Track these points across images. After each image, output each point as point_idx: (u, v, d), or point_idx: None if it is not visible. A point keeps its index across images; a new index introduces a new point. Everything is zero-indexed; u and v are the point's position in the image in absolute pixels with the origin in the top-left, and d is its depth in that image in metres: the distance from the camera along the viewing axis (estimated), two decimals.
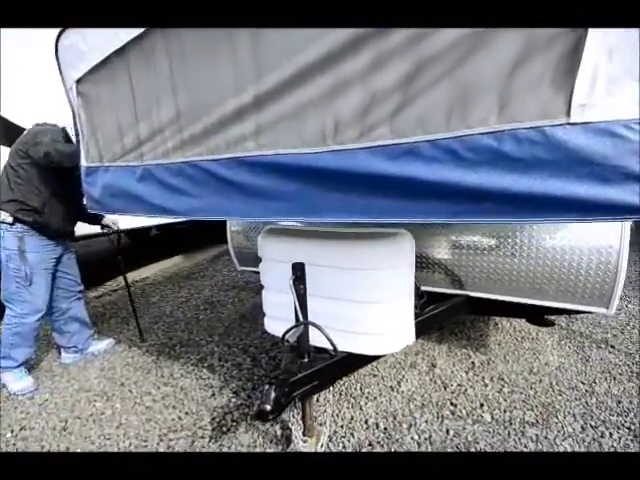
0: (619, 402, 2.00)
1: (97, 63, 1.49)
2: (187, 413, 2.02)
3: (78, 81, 1.59)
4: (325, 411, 1.97)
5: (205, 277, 4.74)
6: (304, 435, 1.69)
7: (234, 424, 1.92)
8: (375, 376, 2.30)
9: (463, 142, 0.89)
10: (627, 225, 1.77)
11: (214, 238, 7.07)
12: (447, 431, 1.82)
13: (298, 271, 1.53)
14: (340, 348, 1.64)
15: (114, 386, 2.32)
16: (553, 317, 2.48)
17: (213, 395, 2.17)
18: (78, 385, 2.35)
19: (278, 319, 1.87)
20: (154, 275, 4.92)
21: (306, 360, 1.60)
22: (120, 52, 1.41)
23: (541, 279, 1.99)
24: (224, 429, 1.89)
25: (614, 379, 2.23)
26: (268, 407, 1.37)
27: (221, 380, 2.33)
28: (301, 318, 1.53)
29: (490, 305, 2.16)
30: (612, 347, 2.60)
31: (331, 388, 2.15)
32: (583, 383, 2.20)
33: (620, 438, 1.73)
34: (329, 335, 1.52)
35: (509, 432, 1.80)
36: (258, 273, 3.36)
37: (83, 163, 1.76)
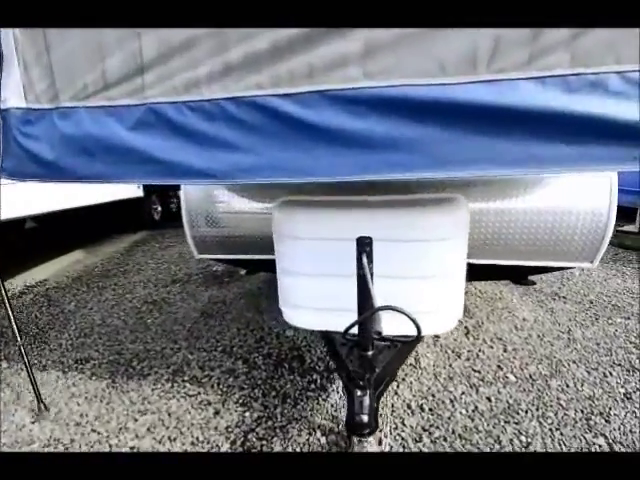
0: (598, 344, 2.27)
1: None
2: (194, 444, 1.56)
3: None
4: None
5: (129, 273, 3.90)
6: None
7: (264, 442, 1.55)
8: None
9: None
10: (615, 189, 1.92)
11: (113, 226, 5.97)
12: (488, 399, 1.79)
13: (366, 246, 1.23)
14: (394, 332, 1.43)
15: (66, 432, 1.67)
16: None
17: (217, 413, 1.73)
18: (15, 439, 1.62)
19: (314, 309, 1.54)
20: (54, 277, 3.84)
21: (370, 353, 1.34)
22: None
23: (533, 241, 2.07)
24: (255, 452, 1.51)
25: (581, 325, 2.53)
26: (366, 418, 1.09)
27: (217, 393, 1.88)
28: (376, 303, 1.25)
29: (479, 270, 2.17)
30: (564, 298, 2.97)
31: None
32: (562, 332, 2.43)
33: (619, 375, 1.95)
34: (415, 318, 1.27)
35: (537, 388, 1.86)
36: (222, 261, 2.89)
37: (13, 104, 1.09)
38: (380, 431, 1.53)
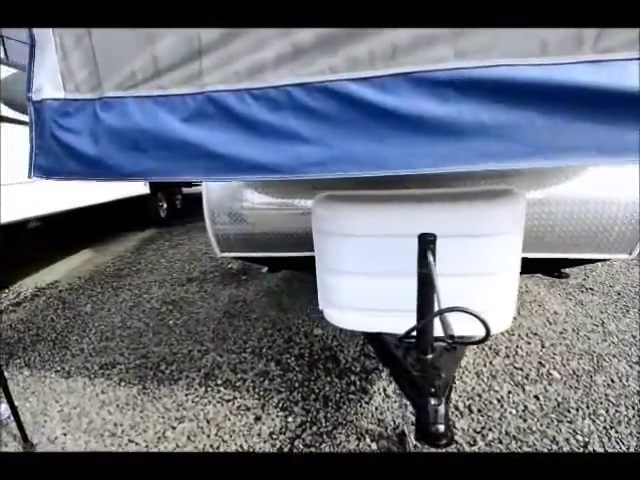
0: (634, 336, 2.21)
1: None
2: (238, 452, 1.50)
3: None
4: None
5: (142, 272, 3.82)
6: (418, 440, 1.37)
7: (313, 450, 1.48)
8: None
9: None
10: None
11: (120, 225, 5.87)
12: (536, 397, 1.73)
13: (430, 244, 1.15)
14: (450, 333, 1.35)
15: (102, 443, 1.60)
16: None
17: (258, 419, 1.67)
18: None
19: (363, 310, 1.47)
20: (65, 278, 3.75)
21: (430, 357, 1.26)
22: None
23: (572, 232, 1.99)
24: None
25: (613, 317, 2.47)
26: (442, 427, 1.02)
27: (254, 397, 1.81)
28: (441, 304, 1.17)
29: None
30: (591, 290, 2.91)
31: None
32: (596, 325, 2.38)
33: None
34: (484, 319, 1.20)
35: (583, 384, 1.81)
36: (245, 259, 2.81)
37: (49, 94, 0.99)
38: None
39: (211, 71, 0.89)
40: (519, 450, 1.45)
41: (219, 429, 1.63)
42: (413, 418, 1.60)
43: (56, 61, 0.96)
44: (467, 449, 1.46)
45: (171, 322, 2.67)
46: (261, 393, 1.84)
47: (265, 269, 3.00)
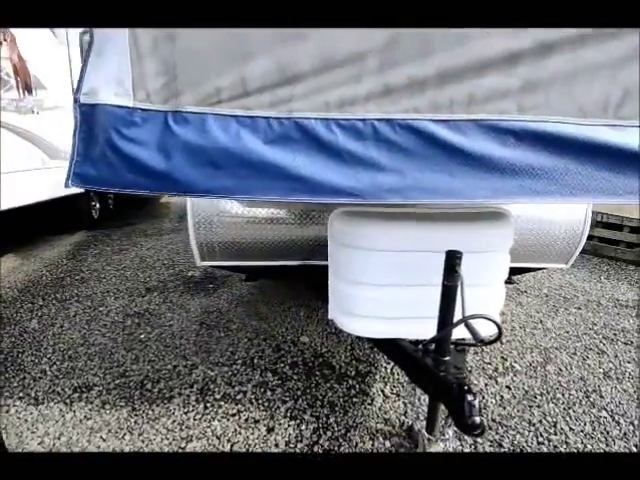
0: (567, 332, 2.69)
1: None
2: None
3: None
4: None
5: (88, 282, 3.44)
6: (430, 433, 1.54)
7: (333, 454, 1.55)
8: None
9: None
10: (590, 207, 2.27)
11: (46, 226, 5.18)
12: (508, 387, 2.02)
13: (456, 259, 1.32)
14: (455, 337, 1.55)
15: None
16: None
17: (271, 430, 1.68)
18: None
19: (380, 318, 1.58)
20: None
21: (448, 358, 1.43)
22: None
23: (523, 244, 2.38)
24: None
25: (548, 315, 2.96)
26: (479, 419, 1.18)
27: (259, 409, 1.81)
28: (465, 312, 1.34)
29: None
30: (525, 292, 3.43)
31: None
32: (536, 323, 2.83)
33: (594, 357, 2.35)
34: (499, 322, 1.39)
35: (540, 374, 2.16)
36: (225, 268, 2.75)
37: (122, 101, 0.92)
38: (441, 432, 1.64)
39: (301, 98, 0.94)
40: (507, 435, 1.70)
41: (233, 444, 1.60)
42: (415, 415, 1.77)
43: (125, 65, 0.90)
44: (466, 437, 1.66)
45: (142, 336, 2.48)
46: (266, 404, 1.85)
47: (243, 277, 2.97)
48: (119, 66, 0.90)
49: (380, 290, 1.56)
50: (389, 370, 2.15)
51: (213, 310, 2.89)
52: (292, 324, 2.68)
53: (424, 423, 1.61)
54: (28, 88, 3.42)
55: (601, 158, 1.00)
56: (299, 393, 1.93)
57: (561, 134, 0.97)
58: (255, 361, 2.22)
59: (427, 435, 1.54)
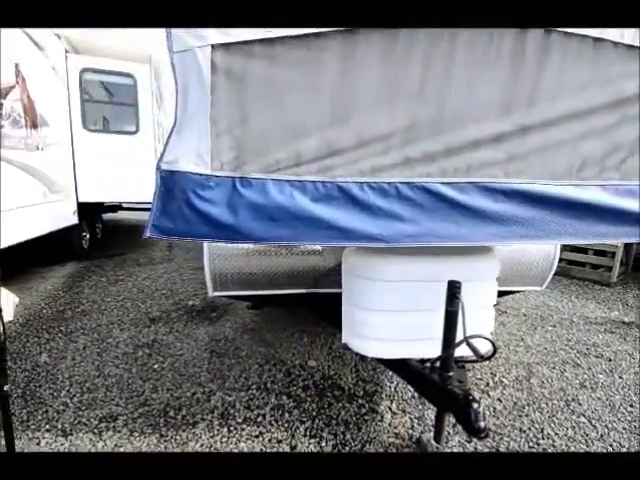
0: (545, 348, 3.00)
1: (268, 34, 1.06)
2: None
3: (217, 46, 1.05)
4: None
5: (91, 314, 3.49)
6: (437, 442, 1.74)
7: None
8: None
9: None
10: None
11: (36, 258, 5.16)
12: (499, 400, 2.26)
13: (457, 288, 1.58)
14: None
15: None
16: None
17: (294, 449, 1.83)
18: None
19: (390, 340, 1.81)
20: None
21: (452, 373, 1.67)
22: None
23: (504, 270, 2.70)
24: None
25: (527, 333, 3.27)
26: (483, 424, 1.41)
27: (280, 430, 1.96)
28: (467, 333, 1.59)
29: None
30: (505, 312, 3.75)
31: None
32: (518, 340, 3.13)
33: (570, 370, 2.65)
34: (494, 341, 1.64)
35: (525, 386, 2.42)
36: (237, 298, 2.92)
37: (200, 169, 1.14)
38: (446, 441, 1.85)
39: (341, 167, 1.19)
40: (502, 443, 1.92)
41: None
42: (422, 428, 1.97)
43: (205, 142, 1.13)
44: (467, 445, 1.87)
45: (156, 366, 2.58)
46: (285, 425, 2.00)
47: (246, 304, 3.14)
48: (199, 142, 1.14)
49: (390, 315, 1.79)
50: (393, 388, 2.36)
51: (220, 338, 3.02)
52: (298, 349, 2.85)
53: (430, 435, 1.82)
54: (35, 126, 3.56)
55: (568, 209, 1.30)
56: (314, 414, 2.10)
57: (538, 192, 1.27)
58: (269, 385, 2.37)
59: (435, 444, 1.74)
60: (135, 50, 5.17)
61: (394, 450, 1.83)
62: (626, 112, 1.22)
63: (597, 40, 1.13)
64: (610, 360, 2.84)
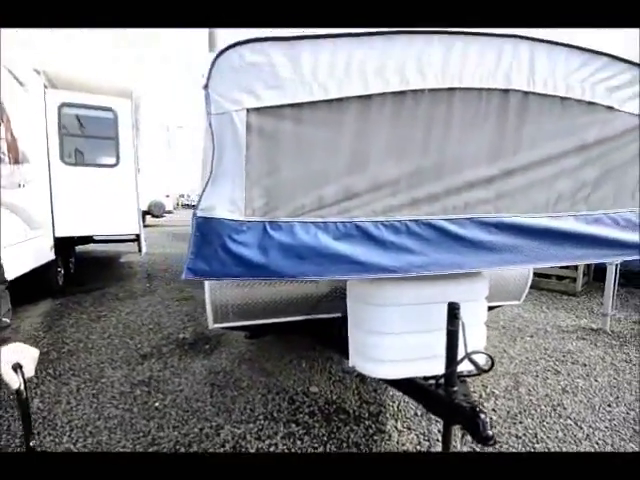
0: (527, 358, 3.23)
1: (300, 100, 1.21)
2: None
3: (251, 110, 1.19)
4: None
5: (78, 353, 3.36)
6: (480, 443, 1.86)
7: None
8: None
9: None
10: None
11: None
12: (494, 410, 2.42)
13: (456, 310, 1.75)
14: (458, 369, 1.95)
15: None
16: None
17: None
18: None
19: (396, 361, 1.93)
20: None
21: (456, 388, 1.81)
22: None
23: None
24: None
25: (509, 345, 3.51)
26: (491, 432, 1.55)
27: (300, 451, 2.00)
28: (467, 349, 1.74)
29: None
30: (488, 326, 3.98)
31: None
32: (501, 352, 3.34)
33: (551, 377, 2.87)
34: (491, 355, 1.80)
35: (515, 395, 2.61)
36: (237, 329, 2.96)
37: (234, 216, 1.25)
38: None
39: (358, 208, 1.35)
40: (502, 450, 2.07)
41: None
42: (428, 443, 2.08)
43: (239, 191, 1.25)
44: (476, 448, 2.00)
45: (157, 404, 2.55)
46: (299, 452, 2.05)
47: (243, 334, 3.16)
48: (232, 192, 1.25)
49: (395, 338, 1.93)
50: (396, 408, 2.46)
51: (218, 370, 3.02)
52: (298, 376, 2.90)
53: (438, 448, 1.94)
54: (17, 162, 3.49)
55: (548, 237, 1.52)
56: (325, 438, 2.16)
57: (523, 224, 1.48)
58: (275, 415, 2.41)
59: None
60: (115, 84, 5.23)
61: None
62: (589, 156, 1.47)
63: (564, 99, 1.38)
64: (585, 365, 3.10)
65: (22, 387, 1.10)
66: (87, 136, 5.16)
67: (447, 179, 1.39)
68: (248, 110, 1.19)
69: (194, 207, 1.27)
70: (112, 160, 5.23)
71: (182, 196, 36.25)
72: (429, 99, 1.28)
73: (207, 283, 2.50)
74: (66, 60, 5.55)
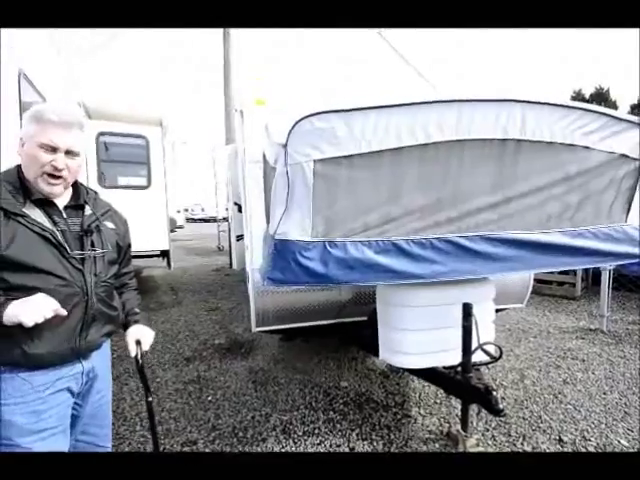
0: (531, 355, 3.60)
1: (352, 152, 1.65)
2: None
3: (317, 160, 1.63)
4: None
5: (125, 358, 3.76)
6: (465, 431, 2.23)
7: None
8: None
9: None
10: None
11: None
12: (503, 398, 2.79)
13: (470, 308, 2.15)
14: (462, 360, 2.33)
15: None
16: None
17: (352, 450, 2.25)
18: None
19: (420, 353, 2.32)
20: None
21: (472, 374, 2.20)
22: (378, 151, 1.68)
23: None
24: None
25: (515, 345, 3.87)
26: (501, 405, 1.94)
27: (336, 437, 2.38)
28: (480, 341, 2.14)
29: None
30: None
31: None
32: (508, 350, 3.71)
33: (553, 371, 3.24)
34: (500, 346, 2.19)
35: (522, 387, 2.97)
36: (275, 332, 3.35)
37: (303, 237, 1.68)
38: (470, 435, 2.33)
39: (393, 230, 1.76)
40: (512, 429, 2.43)
41: None
42: (449, 425, 2.45)
43: (308, 220, 1.67)
44: (488, 432, 2.37)
45: (210, 398, 2.94)
46: (340, 433, 2.42)
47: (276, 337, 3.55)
48: (302, 220, 1.68)
49: (419, 333, 2.32)
50: (418, 397, 2.84)
51: (257, 370, 3.40)
52: (328, 373, 3.29)
53: (458, 427, 2.31)
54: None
55: (540, 249, 1.92)
56: (360, 422, 2.54)
57: (521, 239, 1.89)
58: (314, 405, 2.79)
59: (463, 433, 2.24)
60: (147, 113, 5.75)
61: (431, 442, 2.30)
62: (571, 185, 1.89)
63: (550, 142, 1.81)
64: (584, 361, 3.47)
65: (139, 357, 1.54)
66: (122, 161, 5.64)
67: (461, 206, 1.81)
68: (315, 161, 1.63)
69: (273, 233, 1.70)
70: (144, 182, 5.71)
71: (186, 210, 36.89)
72: (446, 148, 1.71)
73: (251, 290, 2.92)
74: (102, 93, 6.09)
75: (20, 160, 1.24)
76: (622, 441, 2.29)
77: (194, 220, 32.61)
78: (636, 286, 5.33)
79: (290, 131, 1.60)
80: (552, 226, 1.94)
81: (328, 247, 1.72)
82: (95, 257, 1.31)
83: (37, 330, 1.13)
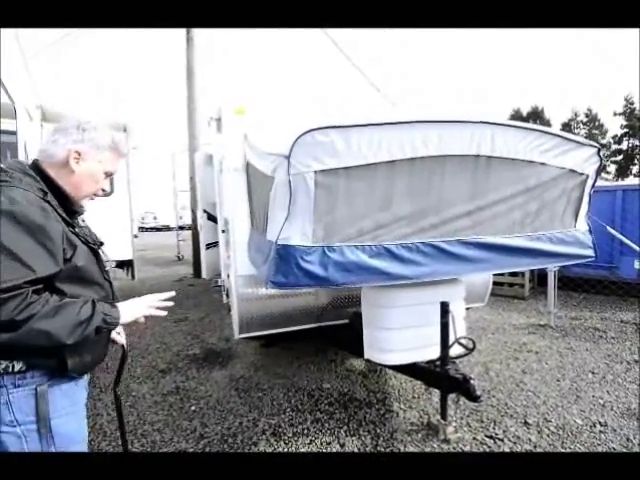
0: (497, 350, 3.94)
1: (350, 165, 1.80)
2: None
3: (318, 171, 1.75)
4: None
5: (95, 372, 3.57)
6: (444, 419, 2.43)
7: (392, 447, 2.31)
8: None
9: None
10: None
11: None
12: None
13: (447, 306, 2.37)
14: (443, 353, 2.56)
15: None
16: None
17: (343, 446, 2.35)
18: None
19: (401, 350, 2.50)
20: None
21: (450, 367, 2.41)
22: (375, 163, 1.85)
23: None
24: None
25: (480, 340, 4.21)
26: (479, 392, 2.16)
27: (325, 435, 2.48)
28: (456, 335, 2.35)
29: None
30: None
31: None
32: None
33: (524, 363, 3.59)
34: (474, 339, 2.42)
35: (516, 383, 3.26)
36: (256, 338, 3.39)
37: (304, 243, 1.77)
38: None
39: (384, 235, 1.93)
40: (483, 416, 2.67)
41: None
42: (428, 415, 2.65)
43: (309, 226, 1.79)
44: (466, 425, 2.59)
45: (193, 408, 2.90)
46: (328, 432, 2.52)
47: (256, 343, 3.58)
48: (303, 226, 1.79)
49: (401, 332, 2.51)
50: (397, 393, 3.02)
51: (238, 377, 3.40)
52: (310, 376, 3.37)
53: (437, 417, 2.51)
54: None
55: (506, 251, 2.19)
56: (346, 420, 2.65)
57: (490, 242, 2.14)
58: (300, 407, 2.86)
59: (443, 421, 2.43)
60: (108, 119, 5.53)
61: (414, 433, 2.47)
62: (531, 195, 2.18)
63: (514, 159, 2.08)
64: (537, 353, 3.87)
65: (126, 345, 1.57)
66: None
67: (442, 213, 2.03)
68: (315, 172, 1.76)
69: (275, 238, 1.79)
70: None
71: (141, 219, 35.12)
72: (430, 162, 1.92)
73: (234, 297, 2.95)
74: (58, 96, 5.76)
75: (64, 169, 1.17)
76: (577, 420, 2.62)
77: (145, 229, 31.11)
78: (577, 285, 6.01)
79: (293, 143, 1.71)
80: (516, 231, 2.21)
81: (327, 251, 1.84)
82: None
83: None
